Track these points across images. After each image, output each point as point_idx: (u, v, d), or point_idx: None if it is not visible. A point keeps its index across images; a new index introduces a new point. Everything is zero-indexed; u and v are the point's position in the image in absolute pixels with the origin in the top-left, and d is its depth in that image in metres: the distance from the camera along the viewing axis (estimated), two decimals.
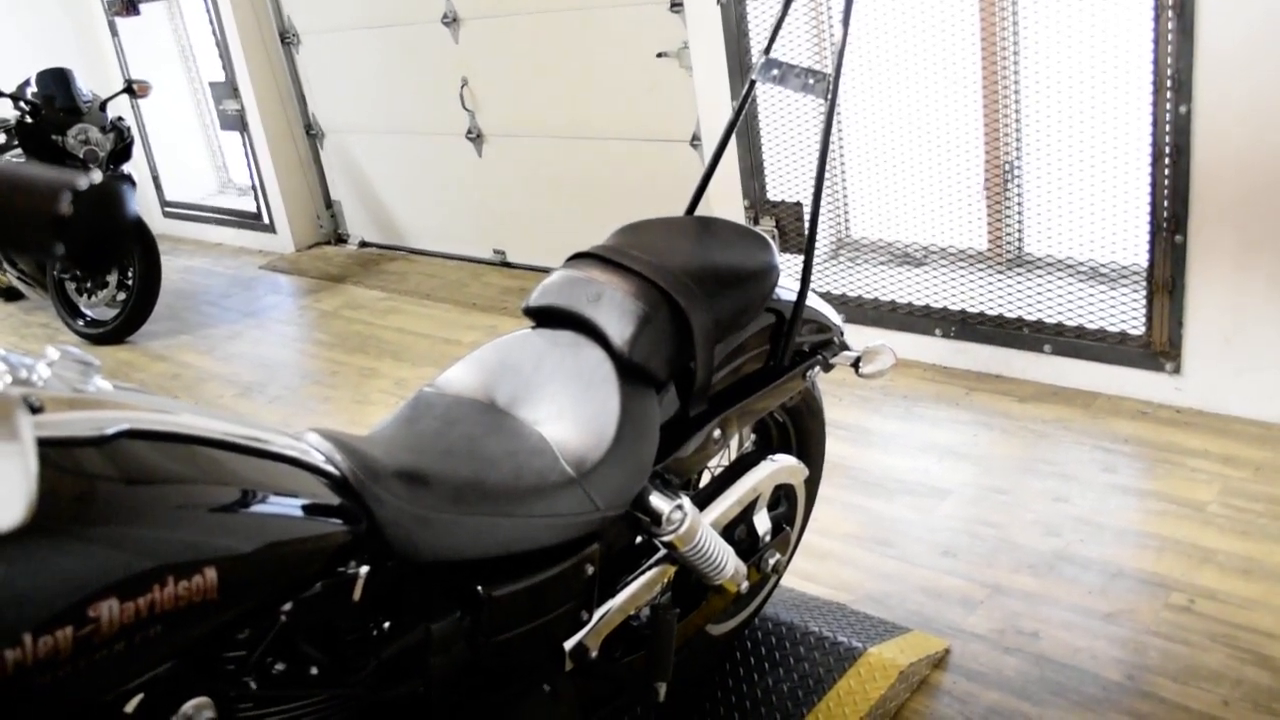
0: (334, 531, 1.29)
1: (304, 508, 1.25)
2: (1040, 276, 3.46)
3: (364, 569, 1.33)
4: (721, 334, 1.83)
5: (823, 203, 2.07)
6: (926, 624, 2.45)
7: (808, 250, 2.04)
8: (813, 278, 2.06)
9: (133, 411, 1.11)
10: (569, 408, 1.70)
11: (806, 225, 2.07)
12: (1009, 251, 3.61)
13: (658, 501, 1.73)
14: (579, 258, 1.88)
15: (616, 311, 1.75)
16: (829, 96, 2.01)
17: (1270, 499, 2.71)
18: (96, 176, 0.85)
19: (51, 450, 0.99)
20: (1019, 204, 3.55)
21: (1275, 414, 3.02)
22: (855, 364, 2.15)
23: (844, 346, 2.19)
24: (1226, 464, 2.88)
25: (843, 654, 2.33)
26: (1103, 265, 3.35)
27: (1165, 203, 3.01)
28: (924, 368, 3.67)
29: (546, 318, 1.85)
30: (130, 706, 1.11)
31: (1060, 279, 3.42)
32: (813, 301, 2.10)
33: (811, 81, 2.04)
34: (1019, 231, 3.59)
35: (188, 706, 1.15)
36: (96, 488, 1.02)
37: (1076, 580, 2.52)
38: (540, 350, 1.79)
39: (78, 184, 0.88)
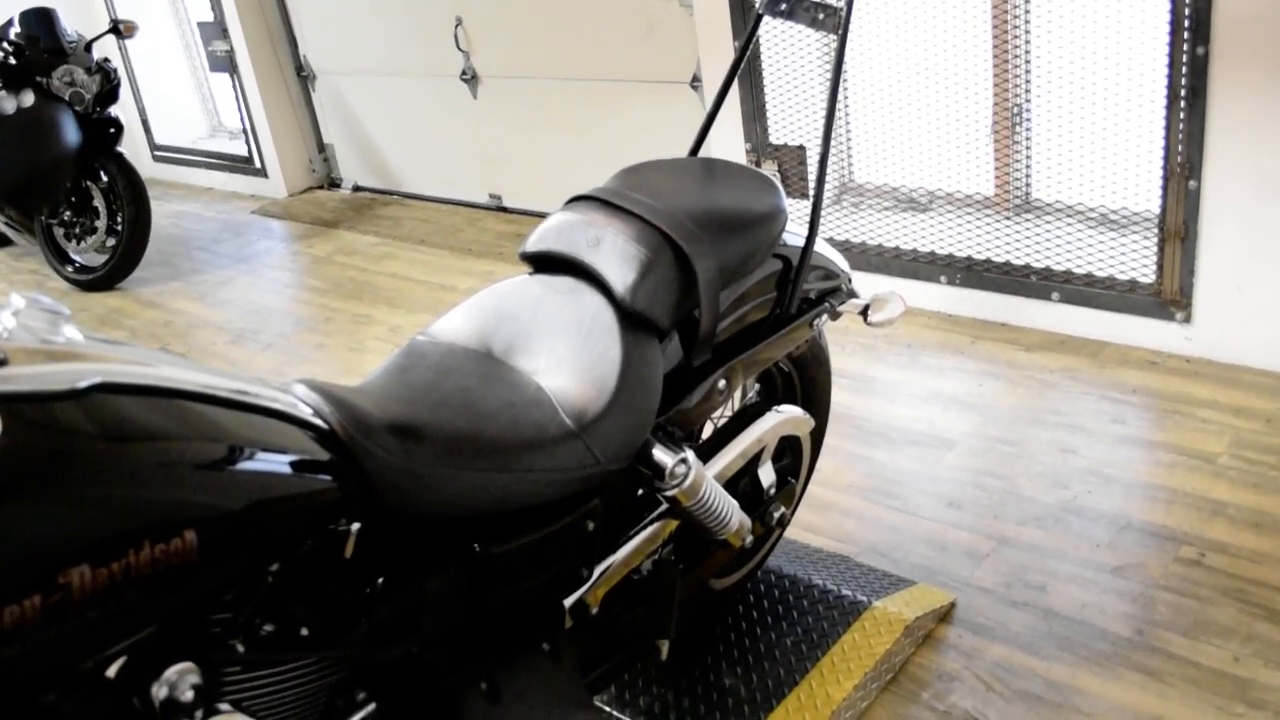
0: (323, 488, 1.23)
1: (291, 463, 1.19)
2: (1048, 222, 3.38)
3: (355, 526, 1.28)
4: (727, 280, 1.76)
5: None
6: (932, 577, 2.41)
7: (816, 193, 1.96)
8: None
9: (106, 363, 1.04)
10: (568, 357, 1.63)
11: (815, 167, 2.00)
12: (1016, 197, 3.53)
13: (661, 455, 1.68)
14: (578, 200, 1.81)
15: (617, 257, 1.68)
16: (841, 31, 1.92)
17: None
18: (28, 99, 0.76)
19: (17, 405, 0.93)
20: (1027, 148, 3.47)
21: None
22: (863, 312, 2.08)
23: (852, 294, 2.12)
24: (1237, 415, 2.83)
25: (847, 608, 2.29)
26: (1113, 211, 3.27)
27: (1180, 147, 2.93)
28: (928, 315, 3.60)
29: (544, 263, 1.79)
30: (111, 671, 1.06)
31: (1069, 225, 3.34)
32: (820, 247, 2.03)
33: (822, 16, 1.95)
34: (1027, 176, 3.51)
35: (170, 672, 1.10)
36: (66, 445, 0.96)
37: (1084, 533, 2.48)
38: (538, 297, 1.73)
39: (3, 108, 0.78)
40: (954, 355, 3.34)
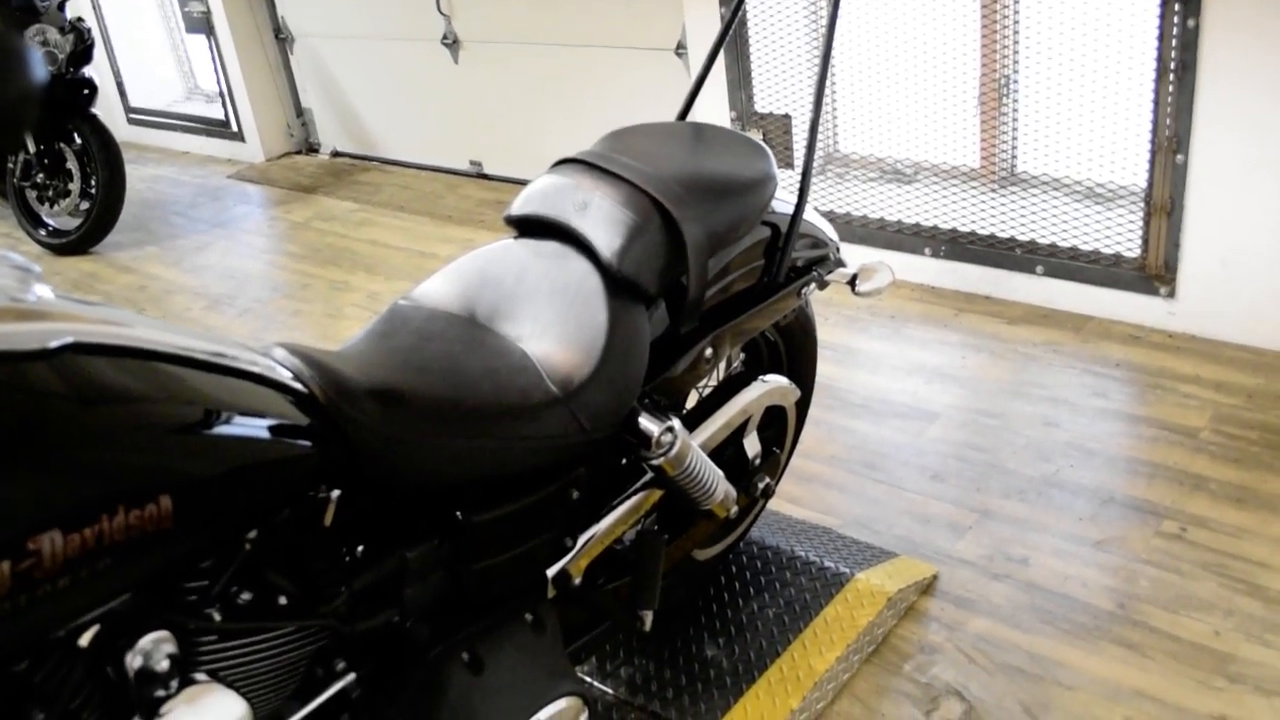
0: (302, 454, 1.20)
1: (270, 428, 1.16)
2: (1034, 195, 3.36)
3: (335, 493, 1.25)
4: (715, 247, 1.73)
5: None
6: (914, 549, 2.40)
7: (806, 160, 1.93)
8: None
9: (79, 323, 1.01)
10: (554, 323, 1.60)
11: (802, 135, 1.96)
12: (1002, 169, 3.51)
13: (647, 423, 1.65)
14: (565, 164, 1.77)
15: (605, 221, 1.64)
16: None
17: (1263, 426, 2.67)
18: None
19: None
20: (1014, 120, 3.44)
21: (1268, 340, 2.96)
22: (851, 282, 2.06)
23: (840, 263, 2.09)
24: (1219, 390, 2.83)
25: (830, 579, 2.28)
26: (1099, 185, 3.26)
27: (1168, 120, 2.91)
28: (912, 287, 3.58)
29: (530, 227, 1.75)
30: (84, 640, 1.03)
31: (1054, 198, 3.32)
32: (809, 216, 2.00)
33: None
34: (1013, 148, 3.48)
35: (145, 641, 1.07)
36: (37, 407, 0.93)
37: (1067, 506, 2.48)
38: (523, 261, 1.69)
39: None
40: (938, 328, 3.32)
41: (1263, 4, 2.68)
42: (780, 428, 2.18)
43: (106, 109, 6.57)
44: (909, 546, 2.41)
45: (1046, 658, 2.08)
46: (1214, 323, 3.04)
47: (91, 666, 1.05)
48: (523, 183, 3.15)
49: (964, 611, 2.22)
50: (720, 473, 1.85)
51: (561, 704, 1.54)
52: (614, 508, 1.74)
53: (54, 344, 0.96)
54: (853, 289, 2.06)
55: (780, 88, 3.73)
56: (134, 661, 1.06)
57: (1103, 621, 2.15)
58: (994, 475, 2.61)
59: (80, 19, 5.02)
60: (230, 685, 1.16)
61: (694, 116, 2.20)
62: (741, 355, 2.20)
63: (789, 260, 1.94)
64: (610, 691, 2.07)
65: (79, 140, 4.87)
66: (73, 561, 0.92)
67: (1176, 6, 2.78)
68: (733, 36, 3.71)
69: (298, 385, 1.24)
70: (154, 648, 1.07)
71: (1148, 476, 2.54)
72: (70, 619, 0.98)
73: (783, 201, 1.93)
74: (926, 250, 3.54)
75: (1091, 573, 2.28)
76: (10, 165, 5.04)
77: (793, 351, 2.19)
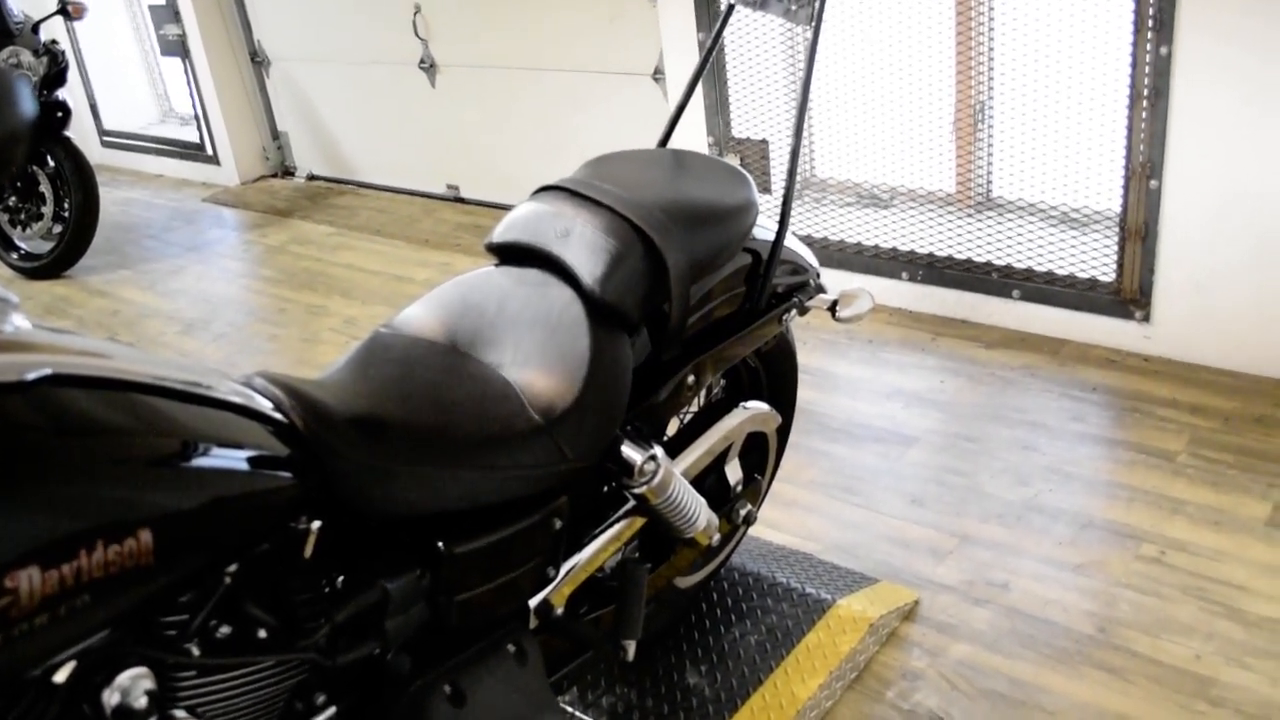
0: (283, 485, 1.18)
1: (250, 460, 1.14)
2: (1009, 220, 3.39)
3: (315, 524, 1.23)
4: (697, 274, 1.73)
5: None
6: (895, 574, 2.40)
7: (788, 187, 1.93)
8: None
9: (57, 355, 0.99)
10: (536, 351, 1.59)
11: (780, 161, 1.97)
12: (978, 194, 3.53)
13: (630, 451, 1.64)
14: (546, 190, 1.77)
15: (587, 249, 1.64)
16: (814, 24, 1.90)
17: (1240, 450, 2.68)
18: None
19: None
20: (989, 145, 3.47)
21: (1244, 363, 2.99)
22: (831, 308, 2.06)
23: (820, 289, 2.10)
24: (1195, 414, 2.85)
25: (811, 606, 2.27)
26: (1074, 210, 3.28)
27: (1142, 146, 2.94)
28: (889, 312, 3.60)
29: (511, 254, 1.74)
30: (60, 677, 1.01)
31: (1030, 223, 3.35)
32: (789, 242, 2.00)
33: (795, 7, 1.92)
34: (988, 174, 3.51)
35: (123, 678, 1.05)
36: (14, 441, 0.91)
37: (1046, 531, 2.48)
38: (505, 289, 1.68)
39: None
40: (915, 352, 3.34)
41: (1234, 31, 2.71)
42: (761, 454, 2.18)
43: (80, 132, 6.50)
44: (890, 572, 2.41)
45: (1028, 683, 2.08)
46: (1190, 346, 3.07)
47: (68, 704, 1.03)
48: (500, 207, 3.16)
49: (945, 637, 2.21)
50: (702, 500, 1.84)
51: None
52: (596, 536, 1.73)
53: (31, 376, 0.95)
54: (833, 315, 2.06)
55: (757, 113, 3.75)
56: (111, 699, 1.05)
57: (1084, 646, 2.15)
58: (973, 499, 2.62)
59: (54, 41, 4.99)
60: None
61: (672, 142, 2.20)
62: (722, 382, 2.20)
63: (770, 287, 1.94)
64: None
65: (52, 163, 4.84)
66: (51, 599, 0.90)
67: (1149, 34, 2.82)
68: (711, 63, 3.72)
69: (278, 415, 1.23)
70: (132, 684, 1.05)
71: (1126, 500, 2.55)
72: (47, 657, 0.96)
73: (763, 228, 1.94)
74: (904, 275, 3.55)
75: (1072, 597, 2.28)
76: None
77: (773, 377, 2.19)
